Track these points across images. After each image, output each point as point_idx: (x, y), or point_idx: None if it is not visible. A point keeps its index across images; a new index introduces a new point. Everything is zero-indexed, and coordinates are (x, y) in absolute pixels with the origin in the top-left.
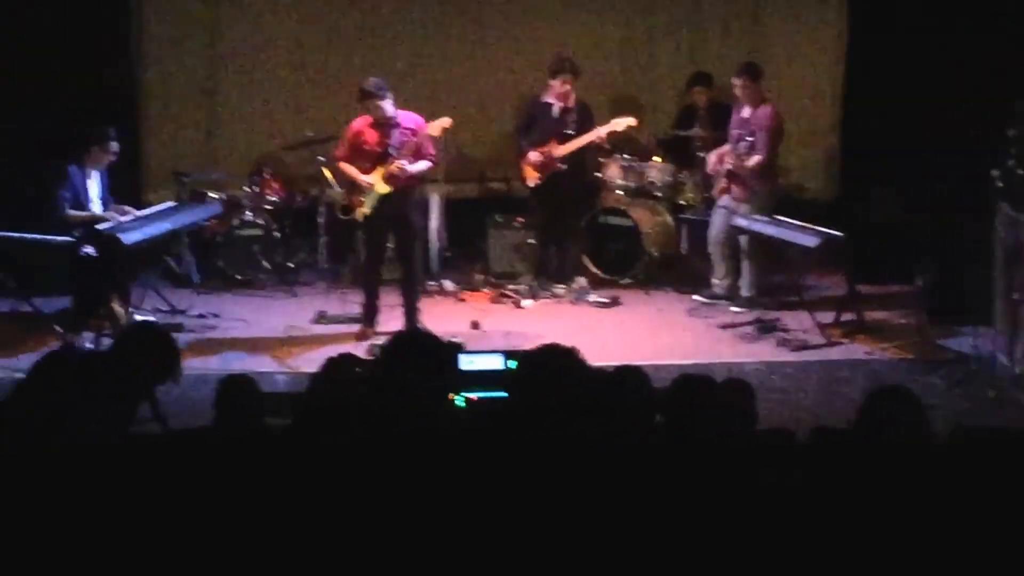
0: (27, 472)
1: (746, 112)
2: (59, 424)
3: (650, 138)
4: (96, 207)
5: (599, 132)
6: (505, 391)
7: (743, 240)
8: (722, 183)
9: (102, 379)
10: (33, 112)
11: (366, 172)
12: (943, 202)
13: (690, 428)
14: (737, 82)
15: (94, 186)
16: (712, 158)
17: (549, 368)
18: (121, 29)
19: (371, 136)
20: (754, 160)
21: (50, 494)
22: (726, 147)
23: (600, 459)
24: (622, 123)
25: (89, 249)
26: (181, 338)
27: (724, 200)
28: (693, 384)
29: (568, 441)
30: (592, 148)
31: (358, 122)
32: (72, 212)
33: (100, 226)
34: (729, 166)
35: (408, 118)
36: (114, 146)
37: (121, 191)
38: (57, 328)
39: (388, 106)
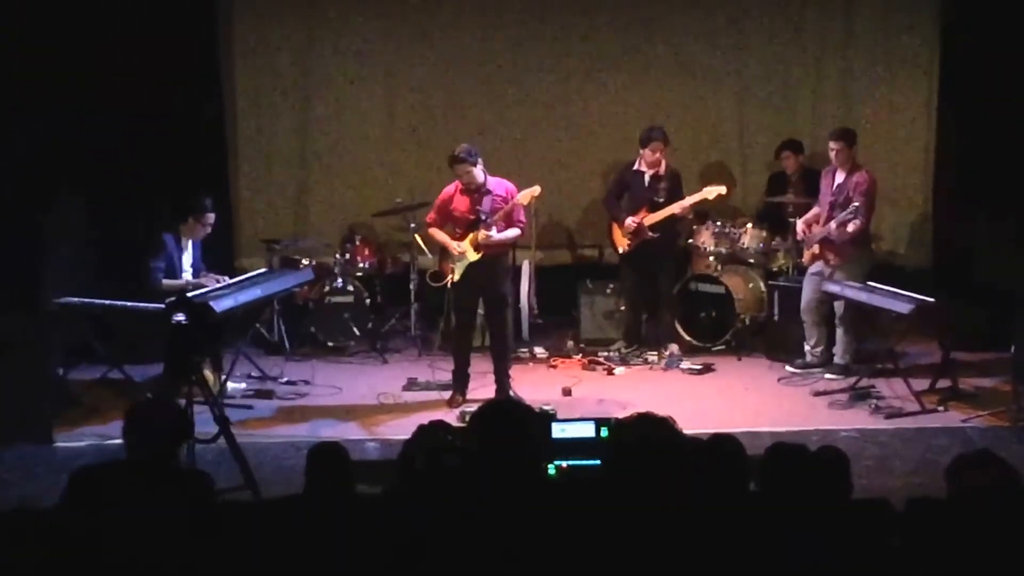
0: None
1: (840, 177)
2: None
3: (742, 219)
4: (188, 276)
5: (689, 201)
6: (599, 459)
7: (837, 306)
8: (813, 249)
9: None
10: (128, 181)
11: (457, 238)
12: None
13: (784, 497)
14: (834, 145)
15: (188, 255)
16: (801, 225)
17: (644, 437)
18: (214, 99)
19: (461, 202)
20: (853, 227)
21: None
22: (813, 213)
23: (693, 528)
24: (712, 192)
25: (180, 316)
26: (272, 405)
27: (816, 267)
28: (787, 453)
29: (661, 509)
30: (683, 215)
31: (449, 188)
32: (166, 282)
33: (191, 293)
34: (824, 233)
35: (499, 185)
36: (210, 218)
37: (214, 258)
38: (148, 395)
39: (478, 172)
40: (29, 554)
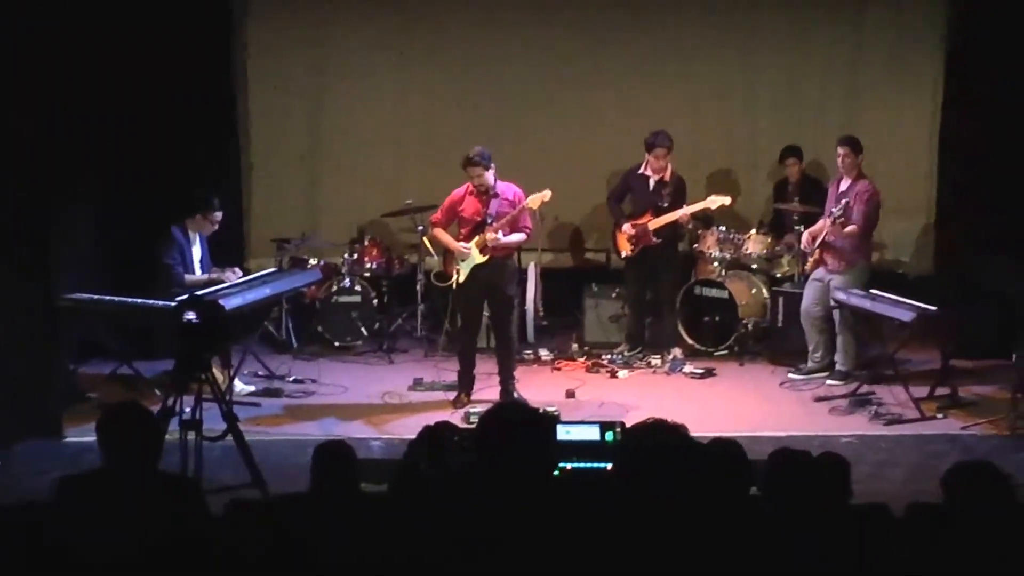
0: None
1: (844, 185)
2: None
3: (746, 225)
4: (198, 270)
5: (692, 208)
6: (606, 462)
7: (836, 314)
8: (815, 255)
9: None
10: (139, 180)
11: (462, 240)
12: None
13: (787, 502)
14: (841, 151)
15: (197, 249)
16: (806, 236)
17: (657, 443)
18: (227, 101)
19: (470, 204)
20: (849, 229)
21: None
22: (819, 224)
23: (696, 531)
24: (716, 202)
25: (191, 314)
26: (279, 403)
27: (818, 273)
28: (790, 458)
29: (666, 513)
30: (685, 222)
31: (459, 190)
32: (187, 277)
33: (201, 291)
34: (827, 238)
35: (508, 189)
36: (218, 216)
37: (224, 258)
38: (157, 391)
39: (490, 176)
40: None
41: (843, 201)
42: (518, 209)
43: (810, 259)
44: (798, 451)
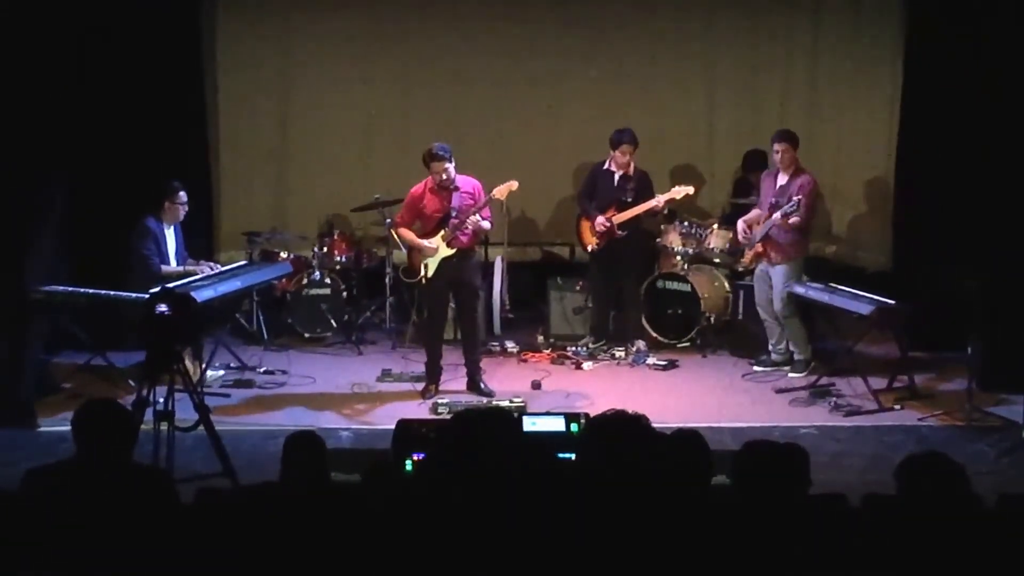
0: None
1: (783, 179)
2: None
3: (708, 219)
4: (173, 261)
5: (657, 201)
6: (571, 453)
7: (776, 306)
8: (757, 248)
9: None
10: (111, 174)
11: (429, 235)
12: (996, 271)
13: (755, 492)
14: (779, 147)
15: (171, 241)
16: (741, 225)
17: (618, 433)
18: (196, 95)
19: (432, 200)
20: (795, 220)
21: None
22: (754, 214)
23: (657, 520)
24: (680, 192)
25: (163, 306)
26: (250, 393)
27: (763, 266)
28: (757, 449)
29: (630, 502)
30: (651, 214)
31: (418, 188)
32: (164, 268)
33: (172, 284)
34: (770, 225)
35: (466, 182)
36: (182, 196)
37: (195, 251)
38: (130, 382)
39: (452, 170)
40: None
41: (795, 198)
42: (484, 202)
43: (748, 251)
44: (772, 442)
